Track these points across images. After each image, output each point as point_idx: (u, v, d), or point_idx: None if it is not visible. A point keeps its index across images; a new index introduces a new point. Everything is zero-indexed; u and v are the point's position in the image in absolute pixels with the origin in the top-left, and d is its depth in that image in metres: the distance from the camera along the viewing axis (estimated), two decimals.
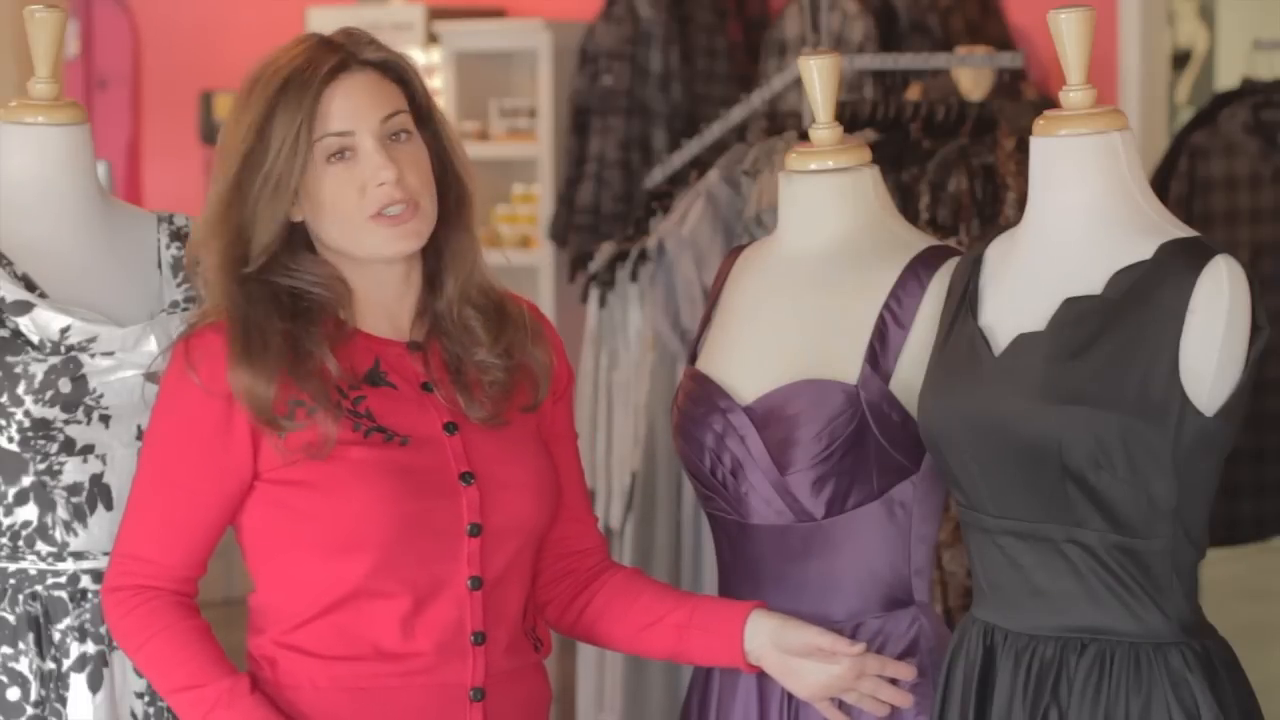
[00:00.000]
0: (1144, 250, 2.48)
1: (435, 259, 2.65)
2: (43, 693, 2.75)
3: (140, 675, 2.79)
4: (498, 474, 2.59)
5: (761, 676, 2.72)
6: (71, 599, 2.76)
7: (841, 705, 2.66)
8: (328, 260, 2.61)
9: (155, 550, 2.59)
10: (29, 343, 2.71)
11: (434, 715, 2.56)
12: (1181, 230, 2.52)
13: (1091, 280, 2.50)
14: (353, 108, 2.56)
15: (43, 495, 2.74)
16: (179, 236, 2.91)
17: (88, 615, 2.76)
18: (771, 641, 2.63)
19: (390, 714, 2.55)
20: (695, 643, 2.68)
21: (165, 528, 2.60)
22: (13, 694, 2.74)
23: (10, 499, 2.75)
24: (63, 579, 2.76)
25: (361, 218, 2.56)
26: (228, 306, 2.57)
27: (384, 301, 2.63)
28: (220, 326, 2.57)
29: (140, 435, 2.78)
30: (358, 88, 2.57)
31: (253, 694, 2.55)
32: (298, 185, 2.55)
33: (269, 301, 2.57)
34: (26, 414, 2.70)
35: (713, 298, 2.91)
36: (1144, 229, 2.52)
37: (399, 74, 2.61)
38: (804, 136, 3.18)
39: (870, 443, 2.66)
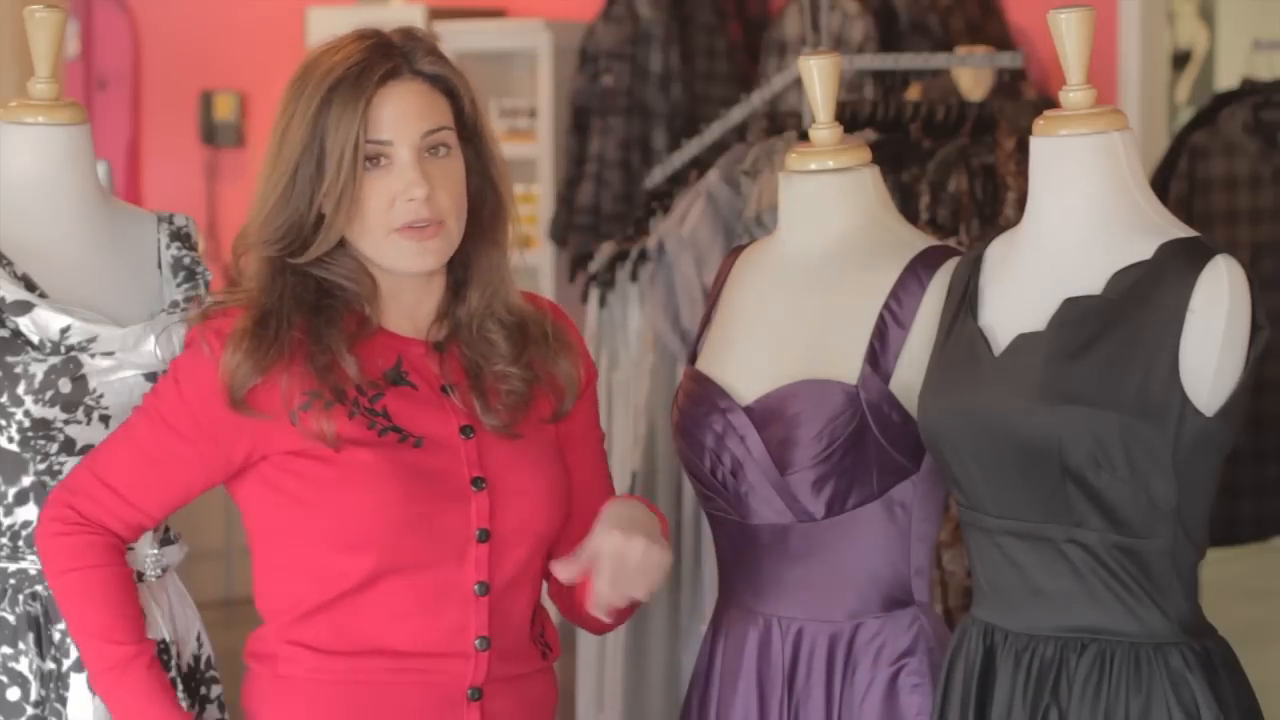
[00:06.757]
0: (1144, 250, 2.48)
1: (463, 269, 2.63)
2: (43, 693, 2.74)
3: None
4: (510, 480, 2.58)
5: (761, 675, 2.72)
6: None
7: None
8: (355, 255, 2.59)
9: (122, 482, 2.58)
10: (29, 343, 2.71)
11: (428, 712, 2.55)
12: (1181, 230, 2.52)
13: (1091, 280, 2.50)
14: (397, 117, 2.53)
15: (43, 495, 2.74)
16: (179, 236, 2.90)
17: None
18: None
19: (383, 709, 2.54)
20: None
21: (142, 464, 2.58)
22: (13, 694, 2.74)
23: (10, 499, 2.74)
24: None
25: (386, 229, 2.54)
26: (258, 294, 2.56)
27: (405, 301, 2.62)
28: (235, 313, 2.56)
29: None
30: (406, 97, 2.54)
31: (149, 669, 2.56)
32: (355, 187, 2.53)
33: (298, 295, 2.56)
34: (26, 414, 2.70)
35: (713, 298, 2.91)
36: (1144, 229, 2.52)
37: (449, 87, 2.59)
38: (804, 136, 3.18)
39: (870, 443, 2.66)
